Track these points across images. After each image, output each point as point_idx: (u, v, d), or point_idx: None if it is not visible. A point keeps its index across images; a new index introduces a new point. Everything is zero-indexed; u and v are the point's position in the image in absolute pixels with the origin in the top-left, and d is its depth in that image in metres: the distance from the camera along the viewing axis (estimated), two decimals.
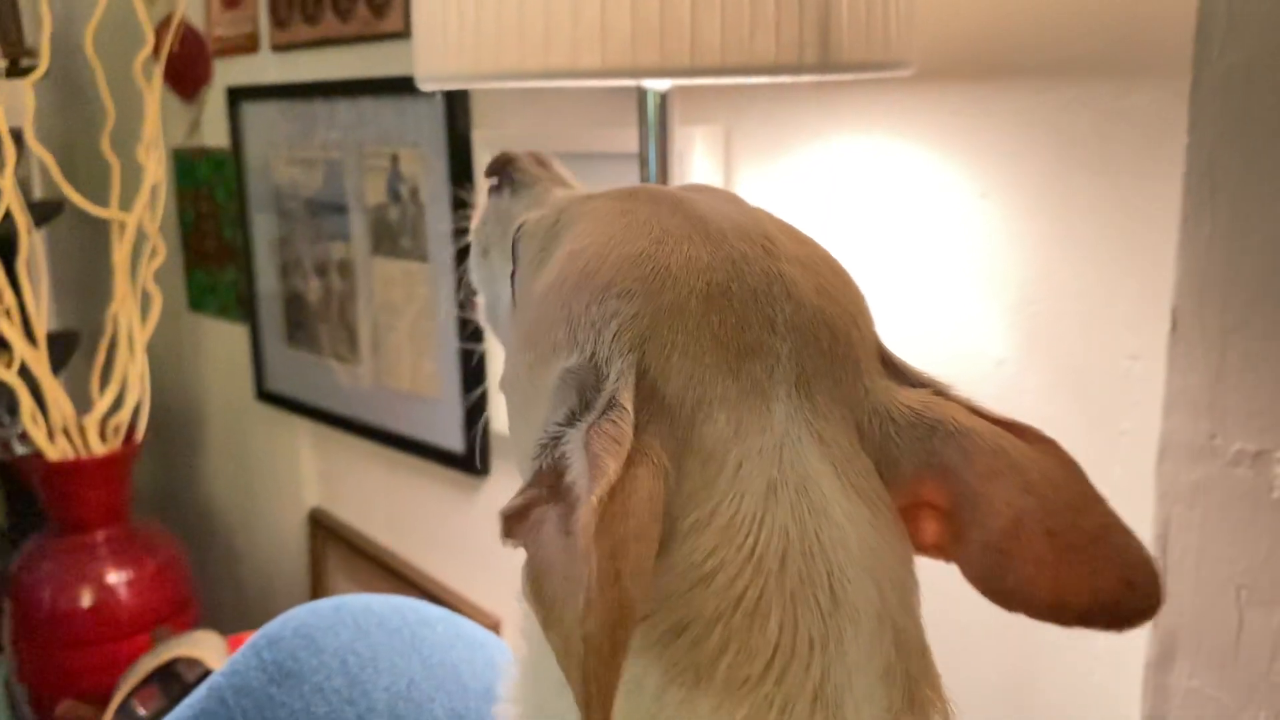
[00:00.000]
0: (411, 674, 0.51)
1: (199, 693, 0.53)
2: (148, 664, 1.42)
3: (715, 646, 0.34)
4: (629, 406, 0.35)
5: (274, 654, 0.52)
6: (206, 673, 1.44)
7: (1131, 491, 0.80)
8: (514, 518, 0.34)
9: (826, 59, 0.67)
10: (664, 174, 0.84)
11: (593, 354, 0.37)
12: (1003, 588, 0.37)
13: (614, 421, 0.34)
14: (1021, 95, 0.85)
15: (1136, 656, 0.82)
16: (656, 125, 0.83)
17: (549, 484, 0.34)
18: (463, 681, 0.51)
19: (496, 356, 1.39)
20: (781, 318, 0.38)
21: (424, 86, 0.79)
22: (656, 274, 0.38)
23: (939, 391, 0.40)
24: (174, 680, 1.45)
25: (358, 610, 0.54)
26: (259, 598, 2.08)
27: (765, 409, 0.37)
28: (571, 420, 0.36)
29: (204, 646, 1.45)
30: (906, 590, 0.37)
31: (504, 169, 0.55)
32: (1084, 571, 0.36)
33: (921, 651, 0.37)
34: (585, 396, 0.37)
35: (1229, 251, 0.68)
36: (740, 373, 0.37)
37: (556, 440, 0.35)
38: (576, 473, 0.33)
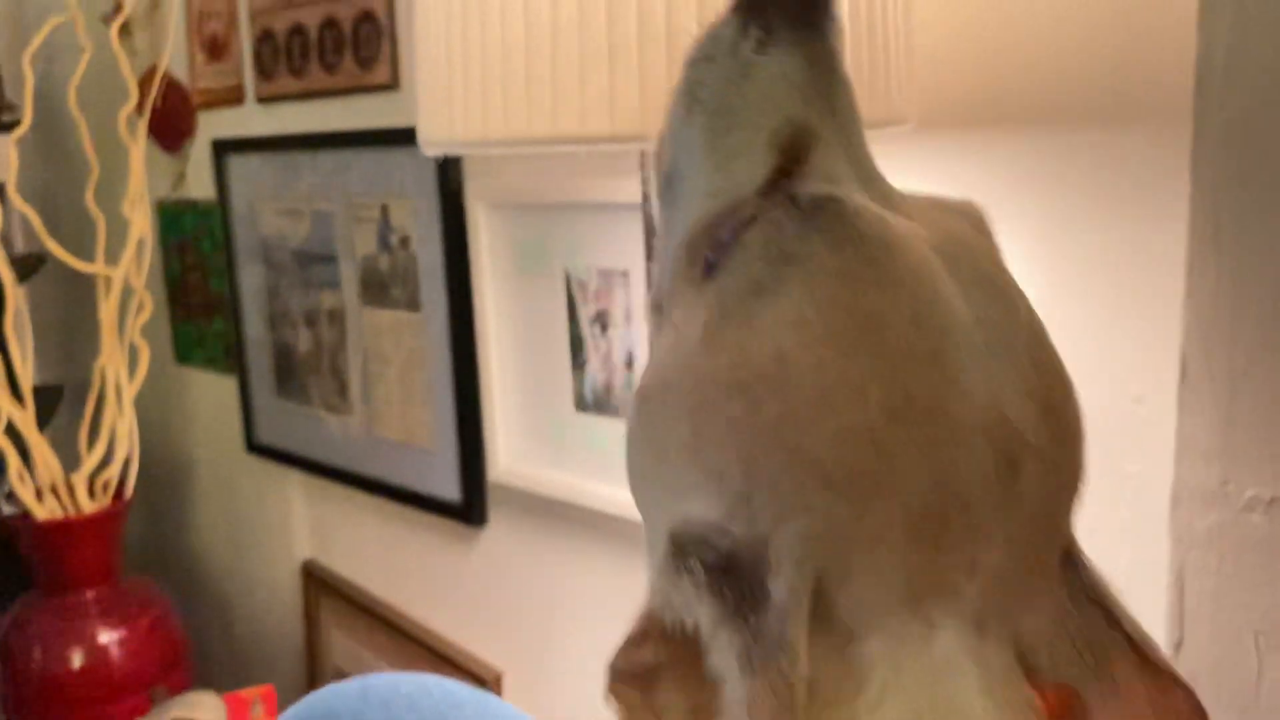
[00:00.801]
0: None
1: None
2: None
3: None
4: (801, 653, 0.31)
5: None
6: None
7: (1142, 534, 0.81)
8: (631, 677, 0.32)
9: None
10: None
11: (765, 539, 0.32)
12: None
13: (783, 676, 0.30)
14: (1019, 142, 0.85)
15: None
16: None
17: (674, 651, 0.31)
18: None
19: (493, 405, 1.38)
20: (987, 559, 0.33)
21: (428, 151, 0.79)
22: (874, 476, 0.32)
23: (1110, 616, 0.37)
24: None
25: (385, 692, 0.53)
26: (253, 652, 2.05)
27: (927, 639, 0.33)
28: (713, 592, 0.32)
29: (203, 708, 1.43)
30: None
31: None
32: None
33: None
34: (738, 578, 0.32)
35: (1235, 298, 0.69)
36: (916, 612, 0.33)
37: (689, 597, 0.32)
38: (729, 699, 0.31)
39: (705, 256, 0.36)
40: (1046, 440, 0.34)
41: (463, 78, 0.70)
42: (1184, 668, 0.75)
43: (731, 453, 0.32)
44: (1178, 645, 0.74)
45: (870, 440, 0.31)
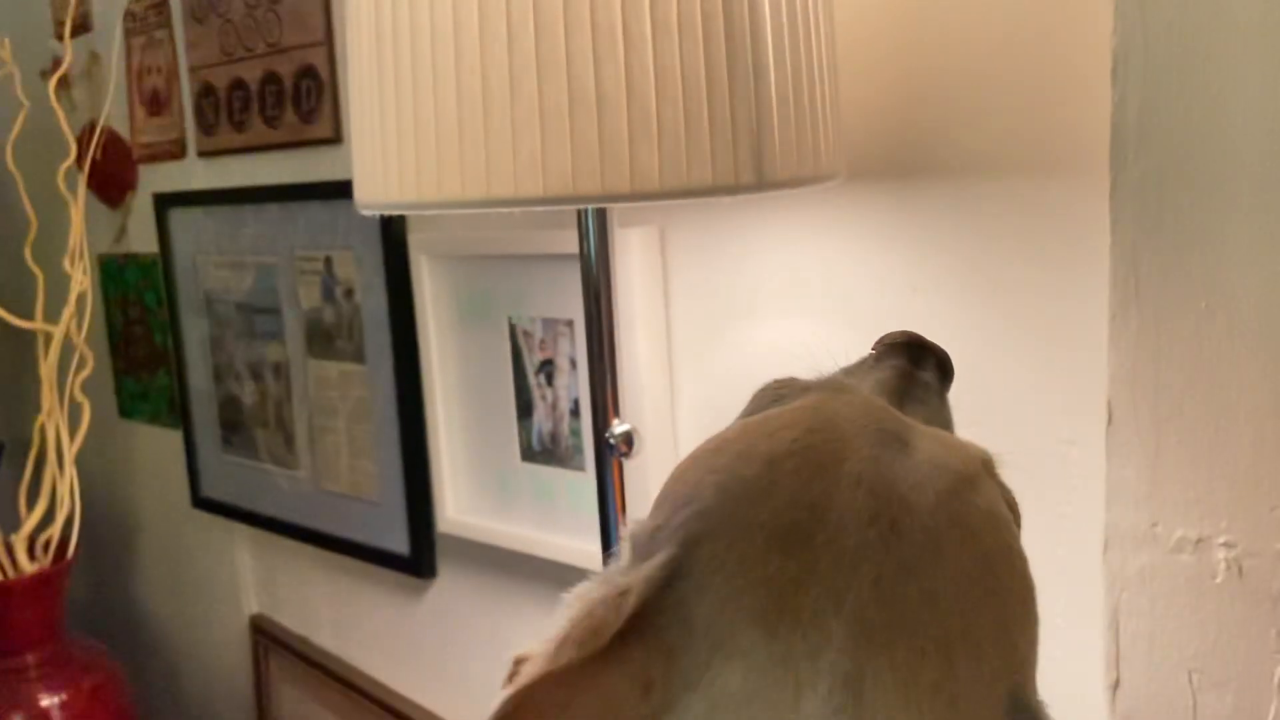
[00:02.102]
0: None
1: None
2: None
3: None
4: (637, 596, 0.33)
5: None
6: None
7: (1078, 575, 0.82)
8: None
9: (761, 179, 0.69)
10: (606, 275, 0.86)
11: (660, 526, 0.37)
12: None
13: (616, 605, 0.33)
14: (946, 194, 0.87)
15: None
16: (596, 233, 0.84)
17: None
18: None
19: (440, 456, 1.38)
20: (854, 599, 0.33)
21: (364, 211, 0.79)
22: (756, 483, 0.36)
23: None
24: None
25: None
26: (201, 710, 2.02)
27: (793, 694, 0.32)
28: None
29: None
30: None
31: None
32: None
33: None
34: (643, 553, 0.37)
35: (1157, 345, 0.71)
36: (777, 635, 0.32)
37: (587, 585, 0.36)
38: (559, 630, 0.33)
39: None
40: (967, 555, 0.35)
41: (396, 141, 0.70)
42: (1121, 707, 0.76)
43: (666, 486, 0.40)
44: (1115, 686, 0.76)
45: (760, 458, 0.37)
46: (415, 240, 1.35)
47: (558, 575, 1.26)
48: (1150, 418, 0.71)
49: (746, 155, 0.68)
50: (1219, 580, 0.70)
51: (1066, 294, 0.82)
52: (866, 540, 0.34)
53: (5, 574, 1.72)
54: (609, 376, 0.87)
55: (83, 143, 1.79)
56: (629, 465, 0.91)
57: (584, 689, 0.31)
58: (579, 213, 0.86)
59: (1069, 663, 0.88)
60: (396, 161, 0.70)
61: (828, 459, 0.36)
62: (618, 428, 0.86)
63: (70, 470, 1.78)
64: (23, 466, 1.82)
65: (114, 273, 1.99)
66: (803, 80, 0.72)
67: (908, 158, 0.89)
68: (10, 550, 1.74)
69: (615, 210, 0.89)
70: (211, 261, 1.73)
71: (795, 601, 0.33)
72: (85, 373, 1.79)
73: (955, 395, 0.95)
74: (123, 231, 1.96)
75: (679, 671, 0.33)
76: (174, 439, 1.92)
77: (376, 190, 0.74)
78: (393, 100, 0.70)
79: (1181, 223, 0.69)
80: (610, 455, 0.86)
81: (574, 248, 1.17)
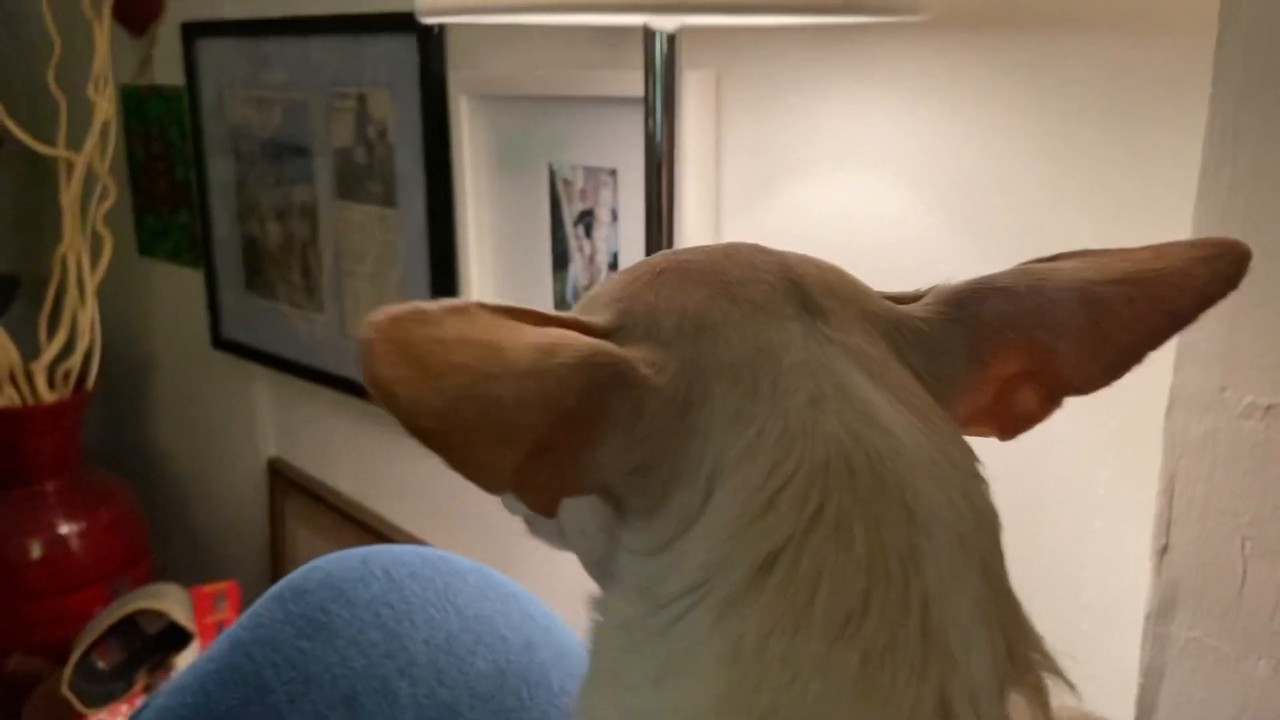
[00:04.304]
0: (449, 627, 0.49)
1: (218, 647, 0.51)
2: (108, 617, 1.38)
3: (806, 578, 0.30)
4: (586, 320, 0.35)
5: (301, 606, 0.50)
6: (170, 625, 1.41)
7: (1138, 443, 0.81)
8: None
9: (849, 1, 0.66)
10: (670, 120, 0.82)
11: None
12: (1116, 364, 0.38)
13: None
14: (1030, 45, 0.84)
15: (1123, 607, 0.83)
16: (664, 68, 0.81)
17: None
18: (501, 634, 0.50)
19: (471, 298, 1.36)
20: (769, 272, 0.37)
21: (425, 20, 0.76)
22: (641, 273, 0.38)
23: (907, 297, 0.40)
24: (135, 634, 1.42)
25: (387, 561, 0.52)
26: (215, 549, 2.04)
27: (780, 326, 0.35)
28: None
29: (167, 599, 1.42)
30: (980, 510, 0.34)
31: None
32: (1172, 297, 0.38)
33: (1009, 594, 0.34)
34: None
35: (1247, 201, 0.68)
36: (736, 297, 0.36)
37: None
38: None
39: None
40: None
41: None
42: (1167, 573, 0.76)
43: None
44: (1163, 551, 0.75)
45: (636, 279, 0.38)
46: (455, 79, 1.31)
47: None
48: None
49: None
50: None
51: (1150, 157, 0.79)
52: (760, 261, 0.38)
53: (25, 401, 1.73)
54: (665, 226, 0.85)
55: None
56: None
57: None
58: (646, 46, 0.82)
59: (1120, 524, 0.88)
60: None
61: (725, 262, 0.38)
62: None
63: (91, 302, 1.77)
64: (40, 298, 1.81)
65: (136, 105, 1.94)
66: None
67: (995, 6, 0.85)
68: (30, 378, 1.74)
69: (684, 45, 0.85)
70: (239, 96, 1.69)
71: (727, 277, 0.37)
72: (108, 204, 1.76)
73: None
74: (147, 62, 1.90)
75: (687, 368, 0.35)
76: (194, 278, 1.90)
77: None
78: None
79: None
80: None
81: (623, 90, 1.14)
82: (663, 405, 0.34)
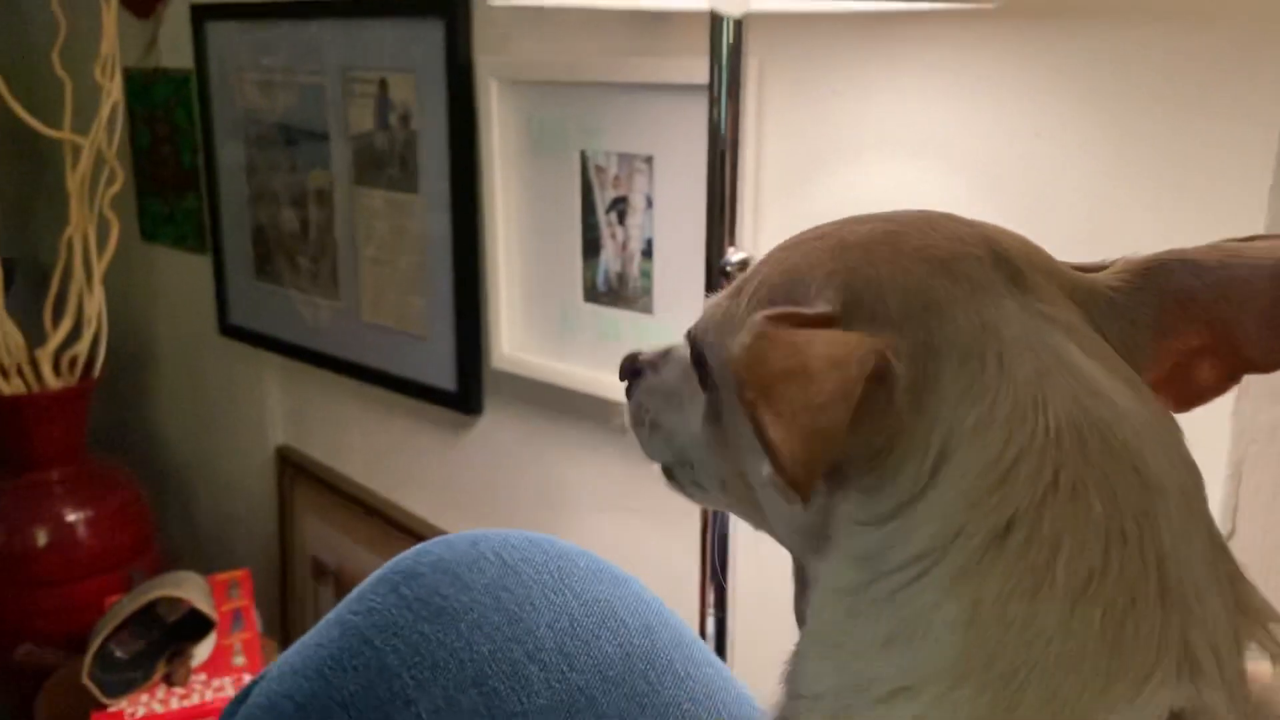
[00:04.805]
0: (570, 611, 0.49)
1: (325, 633, 0.51)
2: (129, 605, 1.37)
3: (1046, 542, 0.32)
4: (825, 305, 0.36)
5: (416, 590, 0.49)
6: (191, 612, 1.40)
7: (1205, 430, 0.82)
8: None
9: None
10: (734, 107, 0.82)
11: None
12: None
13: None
14: (1095, 32, 0.84)
15: None
16: (729, 55, 0.80)
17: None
18: (620, 618, 0.50)
19: (498, 292, 1.35)
20: (975, 245, 0.38)
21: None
22: (850, 243, 0.39)
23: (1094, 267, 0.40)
24: (154, 622, 1.40)
25: (497, 544, 0.51)
26: (222, 539, 2.02)
27: (997, 303, 0.36)
28: None
29: (187, 587, 1.41)
30: (1194, 470, 0.35)
31: (634, 364, 0.53)
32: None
33: (1227, 549, 0.35)
34: None
35: None
36: (955, 274, 0.37)
37: None
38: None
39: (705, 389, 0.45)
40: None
41: None
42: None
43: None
44: (1229, 536, 0.76)
45: (830, 237, 0.40)
46: (485, 63, 1.30)
47: (613, 416, 1.25)
48: None
49: None
50: None
51: (1216, 150, 0.79)
52: (960, 231, 0.39)
53: (30, 388, 1.70)
54: (728, 214, 0.85)
55: None
56: None
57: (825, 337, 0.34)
58: (713, 33, 0.82)
59: None
60: None
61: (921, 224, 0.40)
62: (734, 255, 0.84)
63: (98, 288, 1.75)
64: (40, 284, 1.78)
65: (140, 88, 1.92)
66: None
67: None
68: (36, 365, 1.72)
69: (750, 34, 0.84)
70: (252, 79, 1.67)
71: (938, 252, 0.38)
72: (115, 188, 1.73)
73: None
74: (152, 44, 1.88)
75: (917, 348, 0.36)
76: (200, 264, 1.88)
77: None
78: None
79: None
80: (723, 285, 0.84)
81: (660, 77, 1.13)
82: (904, 391, 0.35)
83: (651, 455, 0.51)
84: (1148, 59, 0.82)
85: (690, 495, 0.50)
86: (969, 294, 0.36)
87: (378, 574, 0.52)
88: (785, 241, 0.42)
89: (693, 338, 0.45)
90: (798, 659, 0.36)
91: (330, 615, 0.53)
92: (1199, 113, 0.80)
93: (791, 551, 0.42)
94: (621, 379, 0.53)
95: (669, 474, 0.51)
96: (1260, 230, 0.72)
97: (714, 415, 0.44)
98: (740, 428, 0.41)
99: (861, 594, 0.34)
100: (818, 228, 0.42)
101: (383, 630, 0.49)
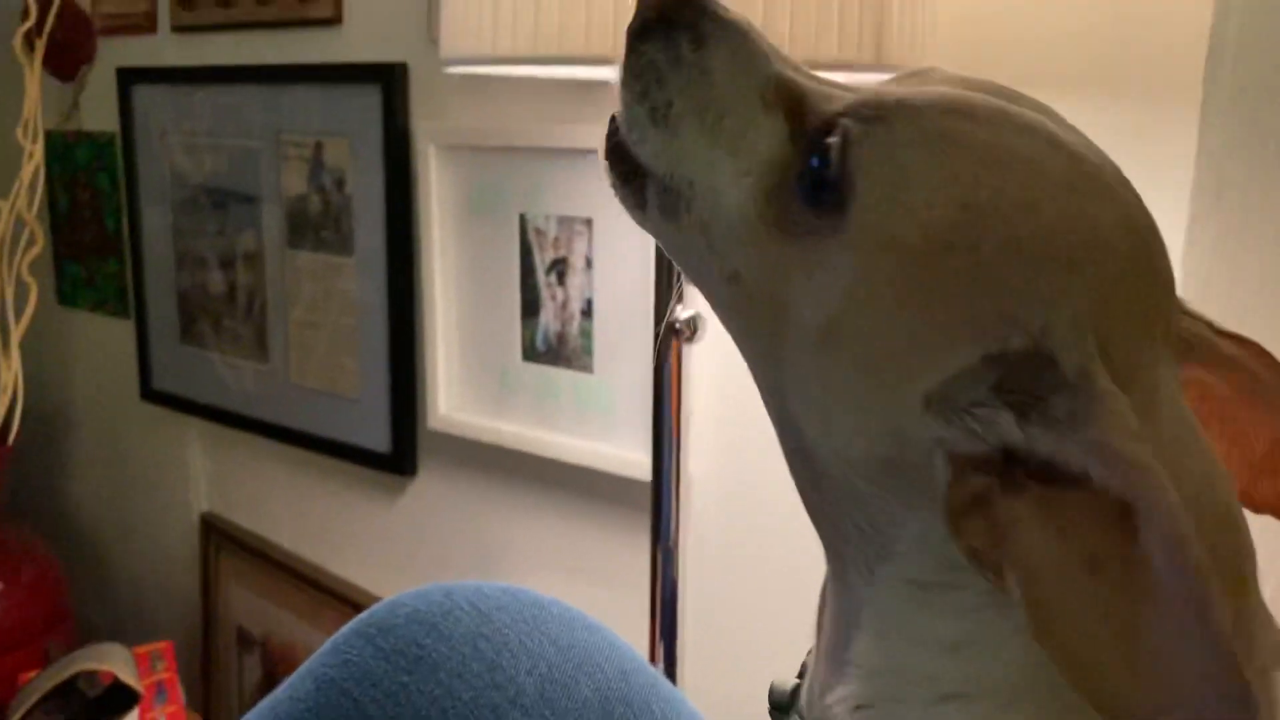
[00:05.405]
0: (548, 657, 0.49)
1: (300, 686, 0.50)
2: (48, 680, 1.32)
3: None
4: (1118, 395, 0.32)
5: (392, 642, 0.49)
6: (113, 687, 1.35)
7: None
8: (964, 510, 0.31)
9: (879, 59, 0.70)
10: None
11: (1039, 336, 0.33)
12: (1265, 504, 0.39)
13: (1117, 414, 0.31)
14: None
15: None
16: None
17: (998, 471, 0.32)
18: (596, 662, 0.50)
19: (436, 352, 1.35)
20: (1166, 272, 0.37)
21: (452, 69, 0.77)
22: (1096, 239, 0.35)
23: (1185, 311, 0.40)
24: (75, 696, 1.35)
25: (471, 595, 0.52)
26: (142, 608, 1.96)
27: (1156, 367, 0.35)
28: (1011, 405, 0.33)
29: (111, 659, 1.36)
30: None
31: (678, 9, 0.39)
32: None
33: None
34: (1027, 383, 0.33)
35: (1234, 252, 0.74)
36: (1155, 337, 0.35)
37: (989, 423, 0.33)
38: (1107, 476, 0.30)
39: (807, 195, 0.36)
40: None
41: None
42: None
43: (978, 296, 0.34)
44: None
45: (1075, 215, 0.35)
46: (423, 128, 1.32)
47: (553, 474, 1.26)
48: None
49: (870, 32, 0.68)
50: None
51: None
52: (1149, 223, 0.38)
53: None
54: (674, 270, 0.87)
55: (42, 8, 1.69)
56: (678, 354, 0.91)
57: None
58: None
59: None
60: (510, 13, 0.69)
61: (1075, 161, 0.37)
62: (683, 312, 0.86)
63: (15, 354, 1.70)
64: None
65: (61, 151, 1.89)
66: None
67: (986, 64, 0.90)
68: None
69: None
70: (181, 143, 1.66)
71: (1151, 303, 0.36)
72: (35, 251, 1.70)
73: None
74: (75, 107, 1.86)
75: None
76: (121, 328, 1.85)
77: (482, 45, 0.72)
78: None
79: (1269, 138, 0.71)
80: (671, 341, 0.86)
81: (599, 142, 1.16)
82: None
83: (639, 147, 0.39)
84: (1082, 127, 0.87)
85: (661, 231, 0.41)
86: (1152, 361, 0.35)
87: (349, 628, 0.53)
88: (963, 130, 0.35)
89: (847, 111, 0.36)
90: (851, 629, 0.36)
91: (301, 670, 0.52)
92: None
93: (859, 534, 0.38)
94: (641, 14, 0.39)
95: (635, 184, 0.40)
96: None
97: (799, 230, 0.36)
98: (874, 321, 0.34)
99: (938, 592, 0.34)
100: (997, 126, 0.36)
101: (360, 682, 0.49)
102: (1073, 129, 0.39)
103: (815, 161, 0.36)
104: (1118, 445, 0.31)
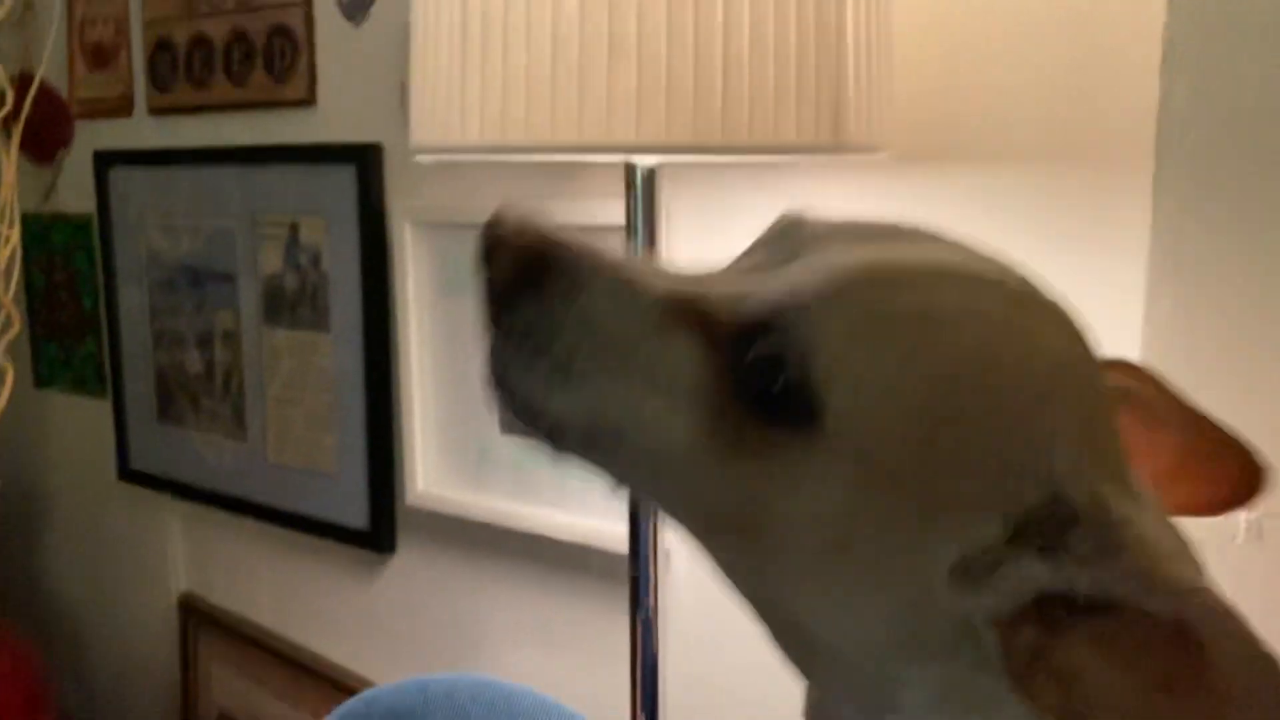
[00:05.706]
0: None
1: None
2: None
3: None
4: (1143, 517, 0.33)
5: None
6: None
7: None
8: (1027, 671, 0.32)
9: (838, 140, 0.71)
10: (650, 246, 0.86)
11: (1049, 479, 0.33)
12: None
13: (1146, 542, 0.32)
14: (977, 175, 0.91)
15: None
16: (644, 197, 0.85)
17: (1035, 618, 0.33)
18: None
19: (413, 428, 1.35)
20: (1092, 343, 0.39)
21: (422, 159, 0.79)
22: (1054, 362, 0.36)
23: None
24: None
25: (446, 687, 0.52)
26: (119, 693, 1.93)
27: (1125, 495, 0.35)
28: (1037, 551, 0.33)
29: None
30: None
31: (540, 264, 0.37)
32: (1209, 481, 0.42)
33: None
34: (1043, 525, 0.33)
35: (1191, 321, 0.75)
36: (1129, 470, 0.36)
37: (1025, 577, 0.33)
38: (1160, 605, 0.31)
39: (766, 415, 0.35)
40: None
41: (479, 82, 0.70)
42: None
43: (983, 457, 0.34)
44: None
45: (1035, 351, 0.36)
46: (399, 207, 1.33)
47: (532, 547, 1.26)
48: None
49: (827, 115, 0.70)
50: (1239, 541, 0.75)
51: (1098, 279, 0.86)
52: (1079, 330, 0.40)
53: None
54: None
55: (18, 93, 1.70)
56: None
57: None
58: (628, 179, 0.86)
59: None
60: (479, 103, 0.70)
61: (1000, 292, 0.38)
62: None
63: None
64: None
65: (38, 233, 1.90)
66: (873, 46, 0.74)
67: (943, 140, 0.92)
68: None
69: (665, 181, 0.89)
70: (158, 224, 1.67)
71: (1112, 427, 0.38)
72: (11, 334, 1.70)
73: None
74: (51, 190, 1.87)
75: None
76: (98, 408, 1.84)
77: (450, 134, 0.73)
78: (478, 42, 0.70)
79: (1222, 205, 0.73)
80: None
81: (574, 219, 1.17)
82: None
83: (545, 404, 0.36)
84: (1018, 196, 0.89)
85: (593, 472, 0.38)
86: (1111, 418, 0.36)
87: None
88: (883, 295, 0.35)
89: (769, 315, 0.35)
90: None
91: None
92: (1067, 247, 0.86)
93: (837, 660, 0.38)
94: (494, 285, 0.37)
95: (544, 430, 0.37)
96: (1134, 357, 0.78)
97: (764, 447, 0.35)
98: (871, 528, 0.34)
99: (981, 701, 0.34)
100: (931, 278, 0.36)
101: None
102: (956, 245, 0.39)
103: (762, 381, 0.35)
104: (1161, 572, 0.31)
